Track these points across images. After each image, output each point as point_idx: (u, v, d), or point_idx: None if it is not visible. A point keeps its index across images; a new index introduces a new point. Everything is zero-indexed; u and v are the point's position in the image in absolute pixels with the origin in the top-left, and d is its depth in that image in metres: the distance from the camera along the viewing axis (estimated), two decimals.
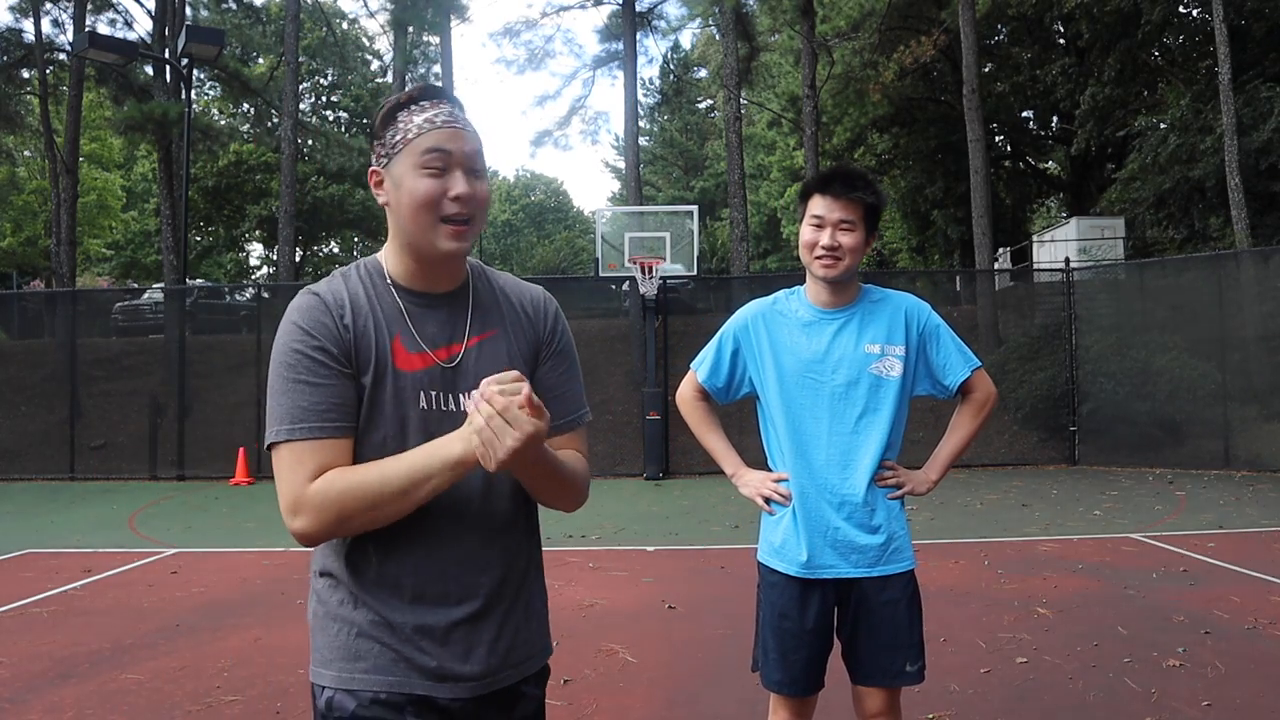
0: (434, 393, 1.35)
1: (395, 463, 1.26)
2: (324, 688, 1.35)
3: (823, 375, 2.15)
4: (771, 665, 2.18)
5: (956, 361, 2.22)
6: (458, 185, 1.31)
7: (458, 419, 1.32)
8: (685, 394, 2.40)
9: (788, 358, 2.19)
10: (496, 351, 1.40)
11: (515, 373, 1.21)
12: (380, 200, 1.37)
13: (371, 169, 1.39)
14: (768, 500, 2.23)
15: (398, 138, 1.33)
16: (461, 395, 1.36)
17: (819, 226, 2.14)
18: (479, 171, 1.35)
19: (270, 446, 1.30)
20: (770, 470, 2.27)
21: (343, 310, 1.33)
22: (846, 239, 2.12)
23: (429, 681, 1.33)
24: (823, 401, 2.15)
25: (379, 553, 1.34)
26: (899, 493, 2.19)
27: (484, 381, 1.20)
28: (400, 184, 1.33)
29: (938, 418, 2.28)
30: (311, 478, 1.26)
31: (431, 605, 1.34)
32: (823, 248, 2.13)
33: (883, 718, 2.18)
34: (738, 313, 2.32)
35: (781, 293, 2.31)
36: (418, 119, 1.33)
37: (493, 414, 1.18)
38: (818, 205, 2.15)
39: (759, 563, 2.26)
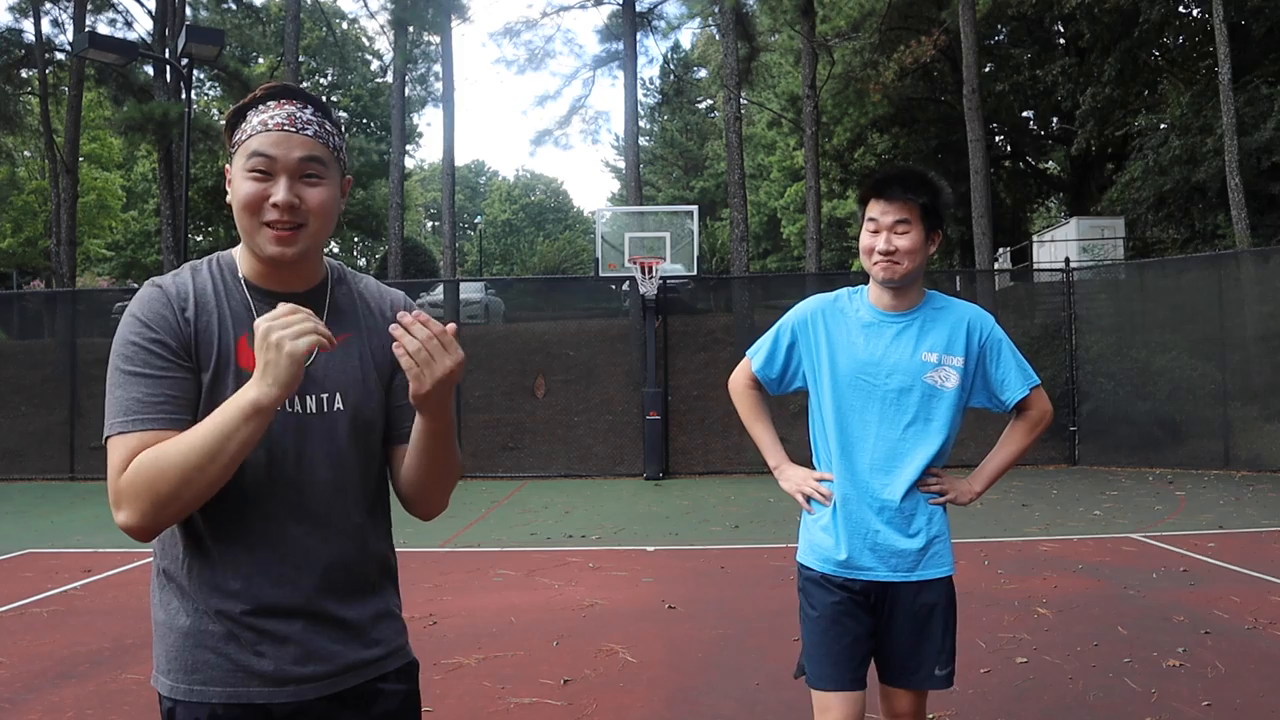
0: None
1: (197, 428, 1.21)
2: (164, 697, 1.33)
3: (876, 378, 2.13)
4: (815, 660, 2.16)
5: (1016, 378, 2.19)
6: (279, 192, 1.28)
7: (304, 421, 1.32)
8: (738, 381, 2.38)
9: (843, 357, 2.17)
10: (349, 355, 1.38)
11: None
12: (229, 199, 1.35)
13: (225, 165, 1.38)
14: (808, 499, 2.22)
15: (238, 137, 1.33)
16: (309, 397, 1.33)
17: (875, 230, 2.13)
18: (313, 177, 1.31)
19: (105, 441, 1.25)
20: (814, 468, 2.25)
21: (185, 303, 1.30)
22: (903, 241, 2.10)
23: (268, 688, 1.31)
24: (873, 405, 2.13)
25: (214, 554, 1.31)
26: (941, 500, 2.17)
27: (412, 314, 1.22)
28: (233, 185, 1.32)
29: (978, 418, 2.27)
30: (123, 470, 1.22)
31: (268, 606, 1.31)
32: (879, 252, 2.11)
33: (907, 719, 2.18)
34: (799, 305, 2.30)
35: (844, 290, 2.28)
36: (255, 120, 1.31)
37: (429, 335, 1.21)
38: (874, 209, 2.14)
39: (799, 563, 2.25)
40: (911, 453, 2.12)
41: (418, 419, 1.33)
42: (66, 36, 18.75)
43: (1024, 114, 24.52)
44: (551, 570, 6.22)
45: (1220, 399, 11.42)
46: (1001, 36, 22.58)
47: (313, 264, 1.38)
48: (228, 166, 1.36)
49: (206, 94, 29.22)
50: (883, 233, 2.11)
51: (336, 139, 1.36)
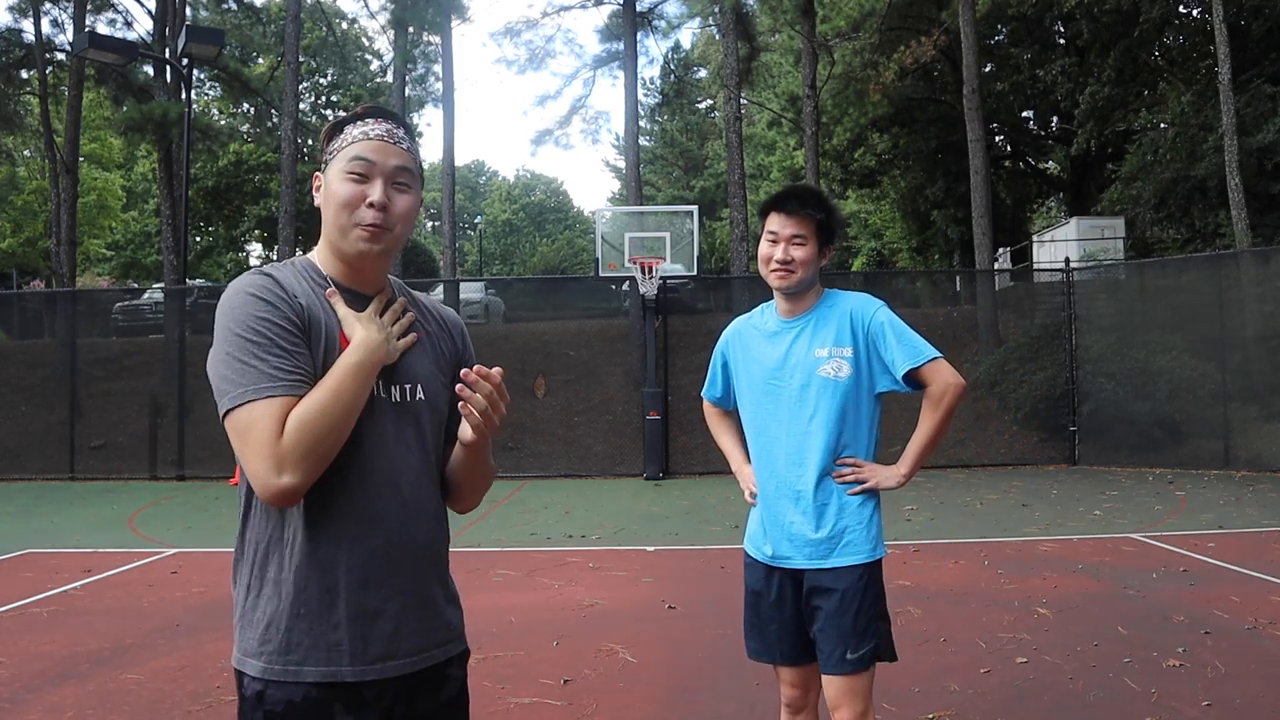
0: (376, 380, 1.44)
1: (324, 387, 1.34)
2: (252, 678, 1.38)
3: (782, 381, 2.33)
4: (748, 635, 2.45)
5: (900, 356, 2.27)
6: (375, 193, 1.43)
7: (394, 406, 1.46)
8: (708, 413, 2.69)
9: (755, 367, 2.40)
10: (424, 352, 1.53)
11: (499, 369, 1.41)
12: (315, 202, 1.49)
13: (315, 174, 1.52)
14: (753, 495, 2.47)
15: (335, 146, 1.48)
16: (394, 386, 1.46)
17: (774, 242, 2.32)
18: (403, 185, 1.46)
19: (240, 406, 1.30)
20: None
21: (295, 292, 1.41)
22: (799, 252, 2.29)
23: (358, 666, 1.38)
24: (783, 405, 2.33)
25: (312, 534, 1.38)
26: (861, 488, 2.28)
27: (474, 369, 1.39)
28: (329, 186, 1.46)
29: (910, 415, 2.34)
30: (280, 431, 1.29)
31: (365, 584, 1.39)
32: (776, 261, 2.30)
33: (839, 708, 2.21)
34: (725, 329, 2.57)
35: (759, 307, 2.51)
36: (355, 130, 1.47)
37: (491, 390, 1.38)
38: (773, 222, 2.33)
39: (743, 549, 2.51)
40: (815, 444, 2.28)
41: (461, 445, 1.51)
42: (66, 36, 18.74)
43: (1024, 114, 24.52)
44: (551, 570, 6.22)
45: (1220, 399, 11.42)
46: (1001, 36, 22.57)
47: (386, 269, 1.54)
48: (317, 175, 1.51)
49: (206, 94, 29.22)
50: (781, 244, 2.30)
51: (419, 158, 1.53)
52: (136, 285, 27.60)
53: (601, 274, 14.01)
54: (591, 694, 3.78)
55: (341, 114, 1.56)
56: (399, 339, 1.46)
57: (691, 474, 12.02)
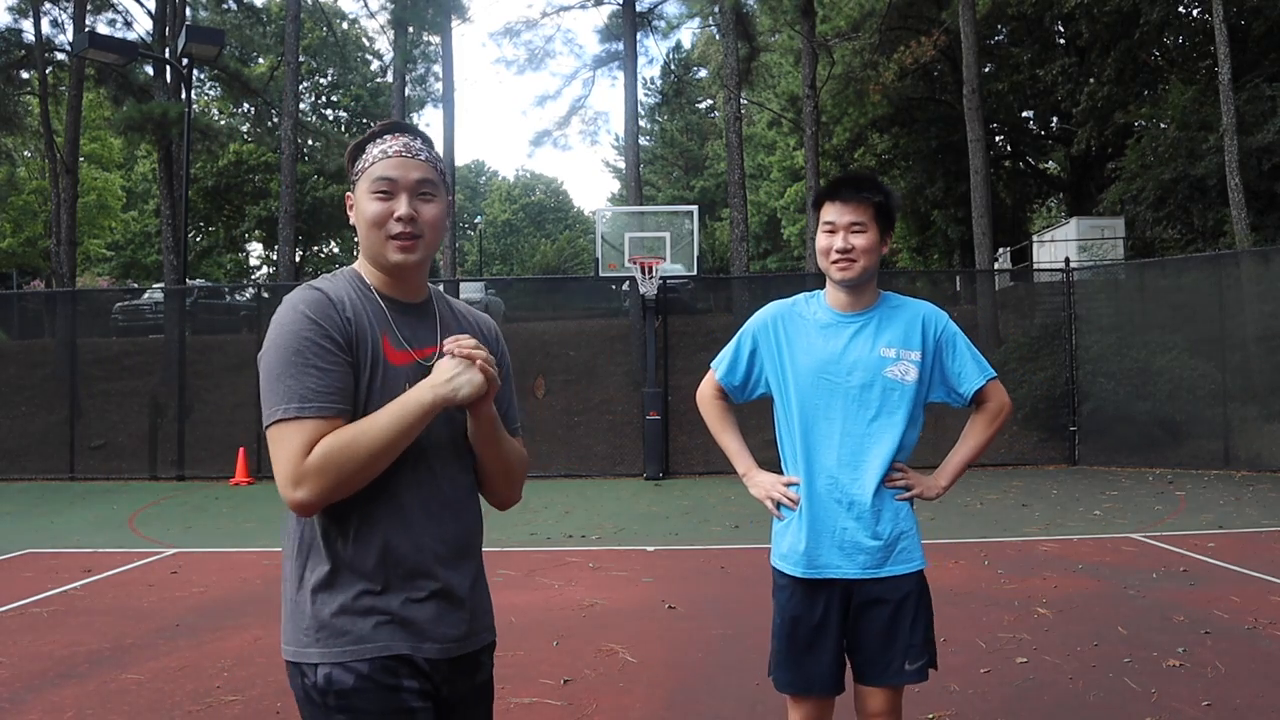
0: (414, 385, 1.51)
1: (374, 420, 1.43)
2: (315, 665, 1.45)
3: (838, 377, 2.18)
4: (782, 666, 2.20)
5: (972, 370, 2.23)
6: (400, 207, 1.52)
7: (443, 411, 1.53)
8: (704, 392, 2.44)
9: (804, 358, 2.21)
10: None
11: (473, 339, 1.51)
12: (351, 220, 1.59)
13: (346, 194, 1.62)
14: (778, 505, 2.25)
15: (360, 166, 1.57)
16: None
17: (831, 231, 2.19)
18: (427, 195, 1.55)
19: (273, 424, 1.42)
20: (782, 474, 2.28)
21: (343, 305, 1.50)
22: (859, 240, 2.16)
23: (413, 642, 1.47)
24: (836, 402, 2.17)
25: (360, 526, 1.47)
26: (907, 495, 2.20)
27: (453, 338, 1.50)
28: (359, 207, 1.56)
29: (936, 418, 2.30)
30: (309, 450, 1.39)
31: (412, 577, 1.49)
32: (837, 251, 2.17)
33: (881, 718, 2.17)
34: (758, 313, 2.36)
35: (802, 295, 2.34)
36: (375, 150, 1.55)
37: (473, 353, 1.48)
38: (829, 212, 2.20)
39: (772, 568, 2.28)
40: (876, 447, 2.15)
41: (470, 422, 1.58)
42: (66, 36, 18.73)
43: (1024, 114, 24.52)
44: (551, 570, 6.22)
45: (1220, 399, 11.42)
46: (1001, 36, 22.58)
47: (424, 277, 1.63)
48: (349, 195, 1.60)
49: (206, 94, 29.20)
50: (839, 233, 2.18)
51: (440, 165, 1.61)
52: (136, 285, 27.59)
53: (601, 274, 14.02)
54: (591, 694, 3.78)
55: (358, 134, 1.62)
56: (472, 378, 1.48)
57: (691, 474, 12.02)
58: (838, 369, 2.18)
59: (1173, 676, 3.84)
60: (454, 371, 1.46)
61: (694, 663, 4.19)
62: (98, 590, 5.93)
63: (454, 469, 1.57)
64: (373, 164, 1.54)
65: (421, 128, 1.73)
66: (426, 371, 1.53)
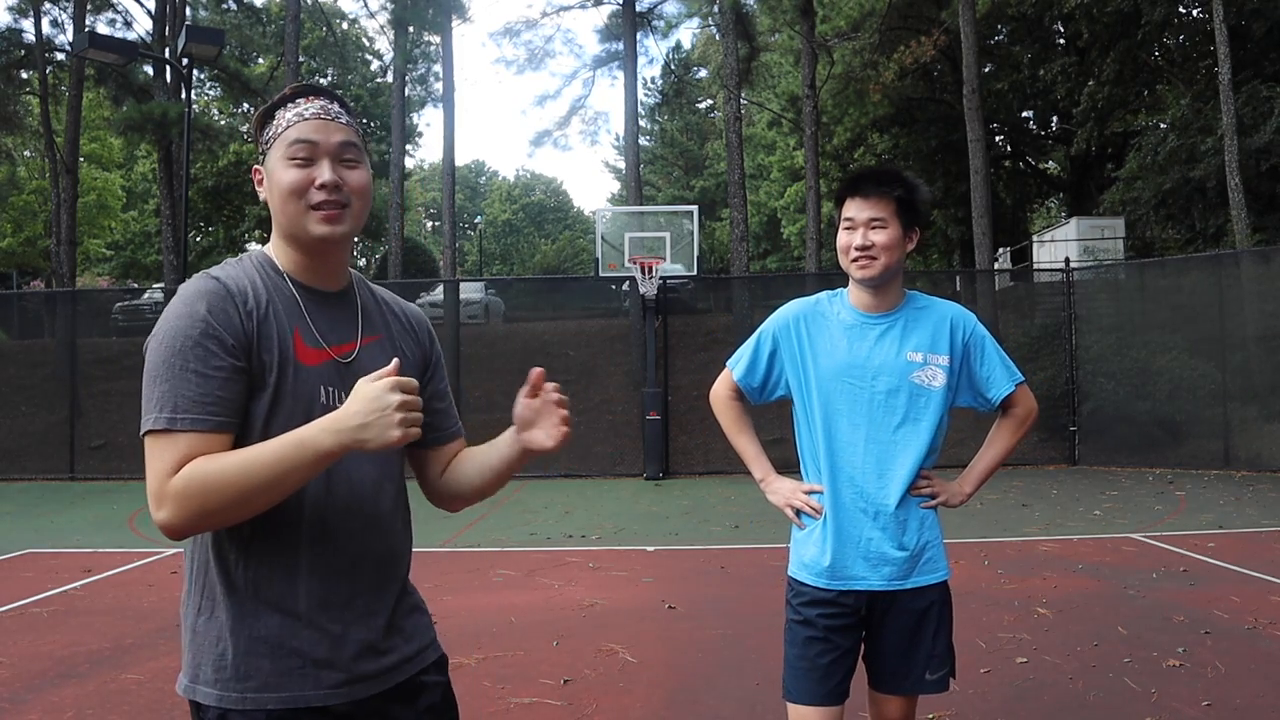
0: (331, 388, 1.35)
1: (259, 454, 1.22)
2: (208, 707, 1.29)
3: (863, 381, 2.09)
4: (796, 678, 2.11)
5: (1001, 375, 2.17)
6: (323, 173, 1.34)
7: None
8: (719, 392, 2.32)
9: (828, 361, 2.12)
10: (385, 354, 1.41)
11: (411, 379, 1.27)
12: (261, 196, 1.40)
13: (254, 167, 1.42)
14: (798, 512, 2.17)
15: (270, 133, 1.38)
16: (346, 395, 1.34)
17: (851, 228, 2.11)
18: (351, 161, 1.38)
19: (145, 434, 1.25)
20: (801, 479, 2.20)
21: (246, 298, 1.31)
22: (879, 237, 2.07)
23: (324, 690, 1.31)
24: (861, 407, 2.09)
25: (267, 553, 1.30)
26: (933, 503, 2.14)
27: (381, 373, 1.24)
28: (272, 177, 1.36)
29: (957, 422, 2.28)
30: (177, 469, 1.21)
31: (325, 608, 1.32)
32: (856, 248, 2.08)
33: None
34: (777, 312, 2.25)
35: (824, 294, 2.24)
36: (289, 114, 1.37)
37: (405, 401, 1.23)
38: (850, 207, 2.12)
39: (789, 577, 2.19)
40: (903, 455, 2.08)
41: (510, 450, 1.45)
42: (66, 36, 18.73)
43: (1024, 114, 24.52)
44: (551, 570, 6.22)
45: (1220, 399, 11.42)
46: (1001, 36, 22.58)
47: (347, 258, 1.44)
48: (257, 167, 1.41)
49: (206, 94, 29.19)
50: (859, 229, 2.09)
51: (361, 132, 1.43)
52: (136, 285, 27.58)
53: (601, 274, 14.02)
54: (591, 694, 3.78)
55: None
56: (404, 423, 1.22)
57: (691, 474, 12.01)
58: (863, 373, 2.09)
59: (1173, 676, 3.84)
60: (369, 414, 1.20)
61: (694, 663, 4.19)
62: (98, 590, 5.93)
63: (374, 478, 1.38)
64: (287, 128, 1.35)
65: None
66: (345, 371, 1.36)
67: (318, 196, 1.34)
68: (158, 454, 1.23)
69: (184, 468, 1.21)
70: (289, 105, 1.38)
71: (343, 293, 1.43)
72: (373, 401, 1.21)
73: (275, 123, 1.38)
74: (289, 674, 1.29)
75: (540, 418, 1.39)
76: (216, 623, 1.30)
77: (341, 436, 1.21)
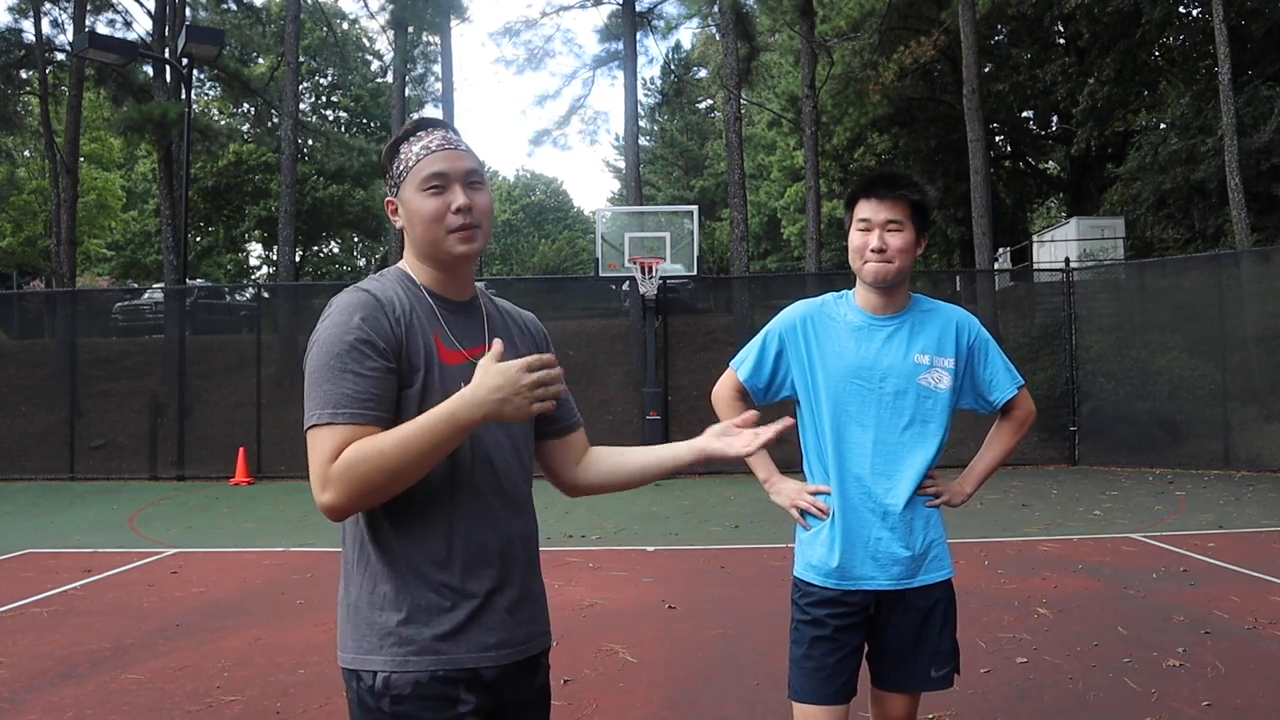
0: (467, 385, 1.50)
1: (410, 429, 1.36)
2: (374, 672, 1.43)
3: (871, 382, 2.11)
4: (802, 677, 2.11)
5: (1003, 378, 2.21)
6: (458, 198, 1.49)
7: None
8: (722, 392, 2.30)
9: (837, 362, 2.13)
10: (513, 355, 1.53)
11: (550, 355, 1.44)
12: (397, 225, 1.56)
13: (387, 199, 1.59)
14: (803, 513, 2.16)
15: (401, 167, 1.53)
16: None
17: (866, 230, 2.11)
18: (476, 184, 1.53)
19: (309, 429, 1.40)
20: (804, 479, 2.20)
21: (393, 307, 1.46)
22: (895, 239, 2.08)
23: (475, 653, 1.46)
24: (869, 409, 2.10)
25: (422, 529, 1.45)
26: (936, 502, 2.17)
27: (493, 354, 1.38)
28: (409, 206, 1.51)
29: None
30: (337, 455, 1.36)
31: (475, 580, 1.47)
32: (872, 250, 2.09)
33: None
34: (783, 313, 2.25)
35: (829, 295, 2.25)
36: (415, 148, 1.52)
37: (537, 379, 1.38)
38: (864, 209, 2.12)
39: (795, 578, 2.19)
40: (910, 456, 2.10)
41: (686, 455, 1.67)
42: (66, 36, 18.74)
43: (1024, 114, 24.52)
44: (551, 570, 6.19)
45: (1220, 399, 11.42)
46: (1001, 36, 22.58)
47: (471, 273, 1.61)
48: (390, 200, 1.57)
49: (206, 94, 29.21)
50: (875, 231, 2.09)
51: (477, 154, 1.58)
52: (136, 285, 27.58)
53: (601, 274, 14.02)
54: (591, 694, 3.78)
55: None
56: (537, 398, 1.37)
57: (691, 474, 12.00)
58: (871, 374, 2.11)
59: (1173, 676, 3.84)
60: (504, 389, 1.35)
61: (694, 663, 4.19)
62: (98, 590, 5.93)
63: (514, 466, 1.55)
64: (417, 162, 1.51)
65: None
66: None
67: (455, 221, 1.49)
68: (320, 445, 1.38)
69: (343, 452, 1.36)
70: (412, 139, 1.53)
71: (470, 302, 1.60)
72: (507, 378, 1.36)
73: (403, 157, 1.53)
74: (445, 639, 1.44)
75: (731, 434, 1.63)
76: (379, 596, 1.44)
77: (485, 408, 1.35)
